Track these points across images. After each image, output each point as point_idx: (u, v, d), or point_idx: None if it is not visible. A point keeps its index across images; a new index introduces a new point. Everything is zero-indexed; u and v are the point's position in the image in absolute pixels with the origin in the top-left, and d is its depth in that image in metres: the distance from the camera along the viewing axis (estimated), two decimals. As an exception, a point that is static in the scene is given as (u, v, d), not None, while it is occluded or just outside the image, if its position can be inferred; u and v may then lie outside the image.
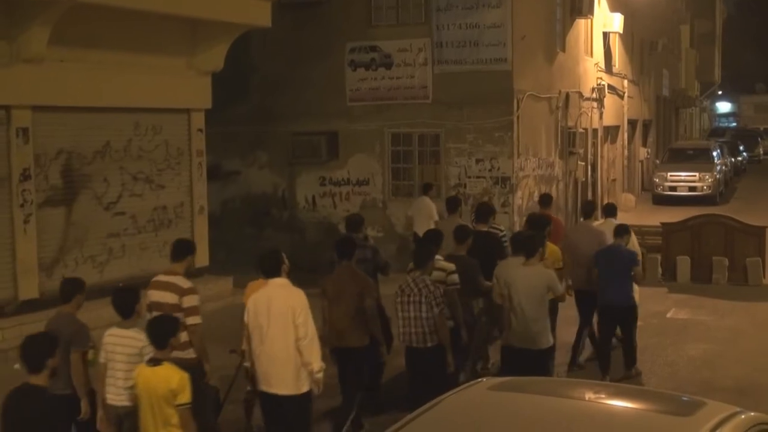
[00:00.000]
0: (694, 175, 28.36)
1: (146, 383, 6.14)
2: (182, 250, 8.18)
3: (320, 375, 7.33)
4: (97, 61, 13.00)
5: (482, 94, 17.08)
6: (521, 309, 8.52)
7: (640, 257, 11.21)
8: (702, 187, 28.15)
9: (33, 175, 12.35)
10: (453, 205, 12.51)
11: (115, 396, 6.81)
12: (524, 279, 8.56)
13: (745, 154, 42.41)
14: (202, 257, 15.18)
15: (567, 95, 20.36)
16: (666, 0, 35.32)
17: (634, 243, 11.28)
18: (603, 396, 5.39)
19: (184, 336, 7.41)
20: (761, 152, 48.32)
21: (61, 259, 12.96)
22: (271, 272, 7.40)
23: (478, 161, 17.37)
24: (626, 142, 28.65)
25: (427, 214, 14.95)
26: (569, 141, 20.62)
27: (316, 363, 7.26)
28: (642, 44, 31.19)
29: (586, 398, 5.35)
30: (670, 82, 38.44)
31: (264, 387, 7.35)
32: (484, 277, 9.44)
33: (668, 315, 13.77)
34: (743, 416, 4.96)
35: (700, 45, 47.48)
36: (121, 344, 6.81)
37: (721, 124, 67.77)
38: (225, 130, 17.96)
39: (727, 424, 4.76)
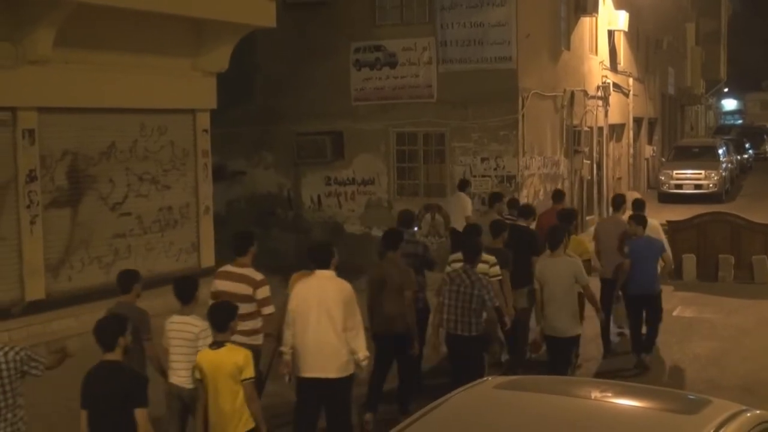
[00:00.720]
0: (700, 173, 28.31)
1: (211, 364, 6.60)
2: (245, 243, 8.56)
3: (365, 363, 7.86)
4: (102, 62, 13.02)
5: (487, 92, 17.08)
6: (551, 298, 9.13)
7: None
8: (708, 184, 28.10)
9: (39, 176, 12.37)
10: (492, 200, 13.43)
11: (177, 378, 7.27)
12: (552, 269, 9.20)
13: (751, 151, 42.31)
14: (207, 258, 15.20)
15: (572, 93, 20.34)
16: (671, -2, 35.30)
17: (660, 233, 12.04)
18: (609, 394, 5.39)
19: (253, 324, 8.02)
20: (767, 150, 48.19)
21: (68, 260, 12.98)
22: (322, 264, 7.85)
23: (483, 160, 17.37)
24: (632, 140, 28.62)
25: (462, 209, 15.50)
26: (574, 139, 20.60)
27: (362, 351, 7.75)
28: (647, 42, 31.15)
29: (592, 397, 5.36)
30: (675, 80, 38.40)
31: (308, 373, 7.72)
32: (517, 270, 10.03)
33: (674, 313, 13.76)
34: (749, 414, 4.96)
35: (705, 42, 47.41)
36: (181, 330, 7.24)
37: (727, 122, 67.57)
38: (230, 131, 17.98)
39: (732, 422, 4.76)
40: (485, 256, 9.25)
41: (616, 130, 26.39)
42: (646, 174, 32.27)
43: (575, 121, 20.68)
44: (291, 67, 18.43)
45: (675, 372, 11.03)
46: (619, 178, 26.75)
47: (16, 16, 11.64)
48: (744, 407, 5.10)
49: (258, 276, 8.26)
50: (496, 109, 17.15)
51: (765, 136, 49.62)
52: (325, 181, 18.65)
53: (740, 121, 67.35)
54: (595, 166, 22.80)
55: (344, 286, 7.77)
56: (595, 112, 22.55)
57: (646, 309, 11.17)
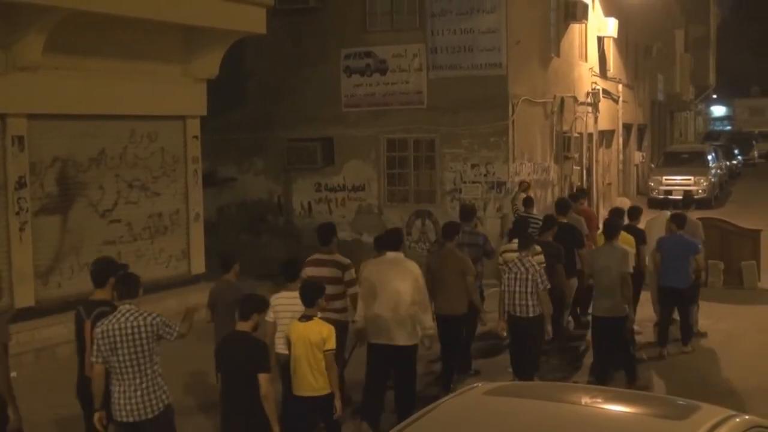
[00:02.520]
0: (690, 179, 28.40)
1: (299, 335, 7.48)
2: (328, 234, 9.59)
3: (431, 332, 8.96)
4: (92, 68, 13.01)
5: (477, 99, 17.11)
6: (604, 282, 10.18)
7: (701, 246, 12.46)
8: (697, 190, 28.18)
9: (28, 182, 12.35)
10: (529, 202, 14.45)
11: (283, 347, 8.05)
12: (606, 257, 10.32)
13: (740, 157, 42.47)
14: (198, 264, 15.18)
15: (562, 100, 20.39)
16: (660, 5, 35.39)
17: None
18: (598, 400, 5.40)
19: (341, 303, 9.01)
20: (756, 155, 48.39)
21: (57, 266, 12.95)
22: (394, 246, 8.99)
23: (473, 166, 17.39)
24: (621, 147, 28.70)
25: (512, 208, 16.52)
26: (564, 145, 20.64)
27: (428, 322, 8.89)
28: (636, 49, 31.26)
29: (582, 403, 5.36)
30: (664, 87, 38.53)
31: (377, 339, 8.80)
32: (563, 261, 11.08)
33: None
34: (738, 419, 4.98)
35: (694, 49, 47.59)
36: (288, 305, 8.08)
37: (716, 128, 67.83)
38: (220, 137, 17.97)
39: (721, 427, 4.78)
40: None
41: (606, 137, 26.46)
42: (636, 180, 32.36)
43: (565, 128, 20.73)
44: (281, 74, 18.43)
45: (665, 377, 11.04)
46: (609, 184, 26.81)
47: (5, 22, 11.63)
48: (733, 412, 5.12)
49: (345, 261, 9.31)
50: (486, 116, 17.18)
51: (754, 142, 49.86)
52: (316, 188, 18.65)
53: (729, 127, 67.61)
54: (585, 172, 22.86)
55: (412, 266, 8.86)
56: (584, 119, 22.60)
57: (677, 303, 11.88)
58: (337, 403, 7.55)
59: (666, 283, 11.78)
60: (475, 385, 5.78)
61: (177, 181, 14.90)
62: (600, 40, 24.59)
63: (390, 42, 17.76)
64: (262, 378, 6.63)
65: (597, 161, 24.49)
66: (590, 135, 23.49)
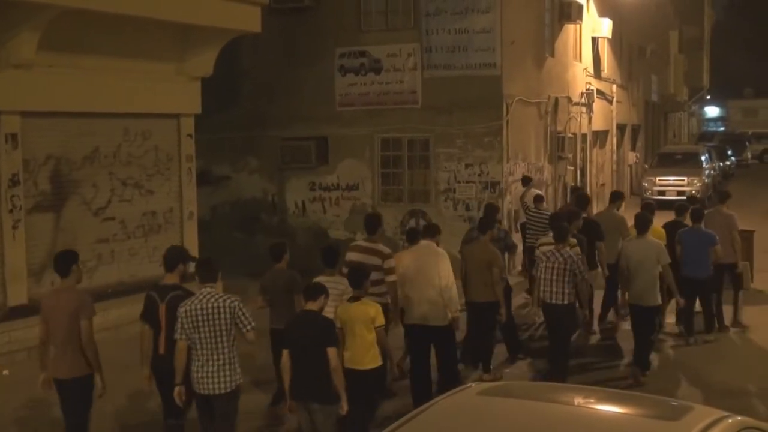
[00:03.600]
0: (683, 180, 28.46)
1: (349, 314, 8.14)
2: (375, 223, 10.33)
3: (457, 314, 9.80)
4: (86, 66, 12.98)
5: (471, 99, 17.12)
6: (637, 273, 10.76)
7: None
8: (690, 191, 28.23)
9: (22, 180, 12.32)
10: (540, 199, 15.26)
11: None
12: (639, 249, 10.89)
13: (733, 158, 42.55)
14: (191, 263, 15.14)
15: (556, 100, 20.42)
16: (655, 6, 35.47)
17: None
18: (591, 401, 5.42)
19: (381, 288, 9.52)
20: (749, 156, 48.50)
21: (50, 264, 12.89)
22: (429, 236, 9.94)
23: (467, 166, 17.40)
24: (615, 147, 28.74)
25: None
26: (558, 146, 20.67)
27: (455, 305, 9.67)
28: (631, 49, 31.30)
29: (575, 403, 5.37)
30: (658, 87, 38.59)
31: (413, 321, 9.66)
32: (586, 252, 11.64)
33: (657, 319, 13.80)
34: (730, 420, 4.99)
35: (688, 50, 47.66)
36: (330, 288, 8.30)
37: (709, 129, 67.95)
38: (215, 136, 17.95)
39: (714, 428, 4.79)
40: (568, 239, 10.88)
41: (600, 137, 26.50)
42: (630, 180, 32.41)
43: (559, 128, 20.76)
44: (276, 73, 18.42)
45: (657, 378, 11.06)
46: (603, 185, 26.85)
47: (-1, 19, 11.60)
48: (726, 413, 5.13)
49: (386, 250, 9.95)
50: (480, 116, 17.19)
51: (747, 143, 49.95)
52: (310, 187, 18.64)
53: (723, 128, 67.76)
54: (578, 172, 22.90)
55: (442, 254, 9.72)
56: (578, 119, 22.64)
57: (698, 292, 12.47)
58: (393, 372, 8.61)
59: (687, 274, 12.34)
60: (469, 385, 5.79)
61: (171, 179, 14.88)
62: (594, 40, 24.63)
63: (384, 41, 17.76)
64: (331, 352, 7.26)
65: (591, 161, 24.55)
66: (584, 135, 23.53)
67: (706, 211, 13.66)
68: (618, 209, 14.32)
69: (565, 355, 10.51)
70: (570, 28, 21.92)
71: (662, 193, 28.49)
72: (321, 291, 7.66)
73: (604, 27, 24.43)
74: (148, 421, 9.27)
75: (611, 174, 28.35)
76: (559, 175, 20.77)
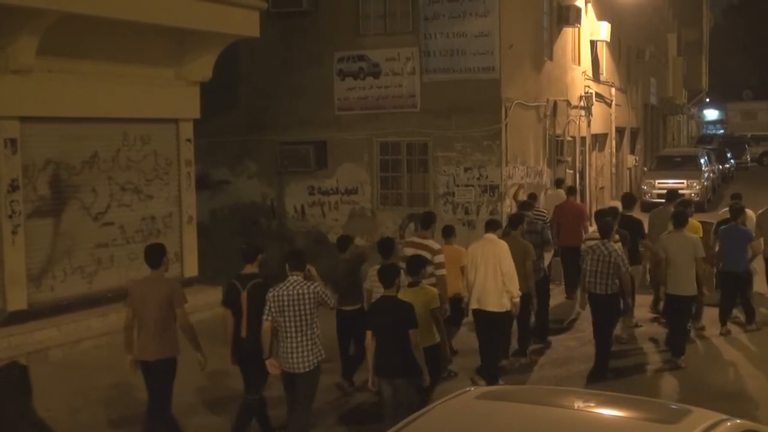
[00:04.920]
0: (682, 183, 28.40)
1: (409, 298, 8.58)
2: (430, 220, 11.37)
3: (517, 300, 10.53)
4: (85, 71, 13.00)
5: (470, 102, 17.12)
6: (675, 265, 11.48)
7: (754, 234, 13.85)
8: (690, 194, 28.21)
9: (21, 185, 12.33)
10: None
11: None
12: (677, 242, 11.61)
13: (732, 161, 42.53)
14: (191, 267, 15.17)
15: (555, 103, 20.43)
16: (653, 9, 35.51)
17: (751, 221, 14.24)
18: (590, 404, 5.42)
19: (431, 281, 10.12)
20: (749, 159, 48.47)
21: (50, 270, 12.93)
22: (492, 230, 10.74)
23: (466, 170, 17.40)
24: (614, 150, 28.73)
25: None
26: (557, 149, 20.68)
27: (515, 291, 10.46)
28: (629, 52, 31.32)
29: (574, 407, 5.38)
30: (657, 90, 38.62)
31: (477, 306, 10.49)
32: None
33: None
34: (729, 423, 5.00)
35: (687, 53, 47.72)
36: None
37: (708, 132, 67.96)
38: (214, 140, 17.96)
39: (713, 431, 4.79)
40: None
41: (599, 140, 26.50)
42: (629, 183, 32.40)
43: (558, 131, 20.76)
44: (275, 77, 18.43)
45: (656, 381, 11.07)
46: (602, 188, 26.85)
47: (-2, 25, 11.62)
48: (724, 416, 5.13)
49: (436, 246, 10.80)
50: (479, 119, 17.19)
51: (746, 146, 49.91)
52: (309, 191, 18.64)
53: (722, 131, 67.76)
54: (578, 175, 22.89)
55: (504, 246, 10.53)
56: (577, 122, 22.64)
57: (736, 286, 13.21)
58: (444, 352, 9.45)
59: (727, 268, 13.21)
60: (467, 389, 5.79)
61: (170, 184, 14.89)
62: (593, 43, 24.63)
63: (383, 45, 17.77)
64: (413, 333, 8.00)
65: (590, 165, 24.54)
66: (583, 138, 23.53)
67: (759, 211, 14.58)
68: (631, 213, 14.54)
69: (609, 340, 11.23)
70: (568, 31, 21.93)
71: (662, 195, 28.40)
72: (396, 275, 8.48)
73: (603, 30, 24.43)
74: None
75: (610, 177, 28.34)
76: (558, 179, 20.74)
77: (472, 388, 5.85)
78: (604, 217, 12.25)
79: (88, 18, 12.21)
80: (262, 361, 8.34)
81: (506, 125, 17.37)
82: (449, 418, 5.13)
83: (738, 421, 5.14)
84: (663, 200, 28.06)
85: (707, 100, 64.65)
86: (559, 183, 18.74)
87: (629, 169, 32.45)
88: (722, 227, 13.52)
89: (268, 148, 18.57)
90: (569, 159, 21.90)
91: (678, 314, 11.72)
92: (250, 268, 8.88)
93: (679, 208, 12.92)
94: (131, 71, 13.77)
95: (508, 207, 17.44)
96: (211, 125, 16.72)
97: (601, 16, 24.83)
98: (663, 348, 12.18)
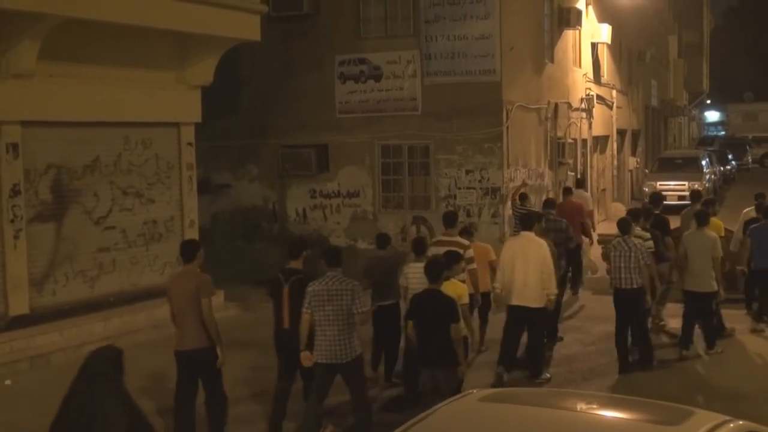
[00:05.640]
0: (684, 184, 28.40)
1: None
2: (454, 220, 11.72)
3: (553, 297, 10.91)
4: (86, 75, 13.01)
5: (471, 105, 17.13)
6: (695, 262, 11.91)
7: None
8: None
9: (23, 190, 12.33)
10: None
11: None
12: (697, 240, 12.02)
13: (734, 162, 42.50)
14: (192, 271, 15.14)
15: (556, 106, 20.43)
16: (654, 11, 35.51)
17: None
18: (593, 406, 5.41)
19: (462, 276, 10.29)
20: (750, 161, 48.44)
21: (52, 274, 12.93)
22: (529, 228, 11.14)
23: (468, 172, 17.41)
24: (615, 152, 28.74)
25: (584, 203, 18.25)
26: (559, 151, 20.68)
27: (552, 288, 10.83)
28: (630, 55, 31.33)
29: (577, 408, 5.38)
30: (658, 92, 38.61)
31: (514, 302, 10.76)
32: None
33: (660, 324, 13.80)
34: (732, 424, 4.99)
35: (688, 55, 47.73)
36: (417, 273, 9.65)
37: (710, 133, 67.89)
38: (215, 144, 17.98)
39: (716, 432, 4.79)
40: (640, 233, 12.06)
41: (600, 142, 26.51)
42: (630, 185, 32.40)
43: (559, 133, 20.77)
44: (276, 80, 18.44)
45: (658, 382, 11.05)
46: (603, 190, 26.85)
47: (-1, 29, 11.63)
48: (727, 417, 5.13)
49: (465, 242, 11.19)
50: (480, 122, 17.20)
51: (747, 148, 49.88)
52: (310, 194, 18.65)
53: (723, 133, 67.70)
54: (579, 177, 22.87)
55: (541, 243, 10.88)
56: (578, 124, 22.65)
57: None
58: (472, 342, 9.79)
59: (759, 266, 13.41)
60: (470, 391, 5.79)
61: (171, 188, 14.89)
62: (594, 46, 24.64)
63: (384, 48, 17.79)
64: (454, 328, 8.36)
65: (591, 167, 24.54)
66: (584, 141, 23.54)
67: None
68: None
69: (645, 329, 11.66)
70: (569, 33, 21.94)
71: (663, 197, 28.42)
72: (443, 269, 8.83)
73: (604, 32, 24.44)
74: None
75: (612, 179, 28.34)
76: (559, 181, 20.75)
77: (475, 390, 5.85)
78: (629, 215, 12.58)
79: (90, 22, 12.22)
80: (299, 351, 8.64)
81: (507, 128, 17.38)
82: (452, 420, 5.13)
83: (740, 422, 5.14)
84: (664, 202, 28.39)
85: (708, 101, 64.69)
86: (579, 183, 19.93)
87: (630, 171, 32.44)
88: (752, 225, 13.69)
89: (269, 152, 18.58)
90: (570, 161, 21.90)
91: (701, 310, 12.11)
92: (295, 264, 9.27)
93: (701, 208, 13.37)
94: (133, 75, 13.78)
95: (510, 210, 17.44)
96: (212, 129, 16.74)
97: (601, 19, 24.85)
98: (677, 343, 12.39)
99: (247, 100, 18.82)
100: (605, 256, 11.99)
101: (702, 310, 12.11)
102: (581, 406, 5.38)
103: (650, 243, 12.09)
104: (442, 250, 10.61)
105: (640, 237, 11.91)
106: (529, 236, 11.02)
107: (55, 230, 12.99)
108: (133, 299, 13.93)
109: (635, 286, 11.28)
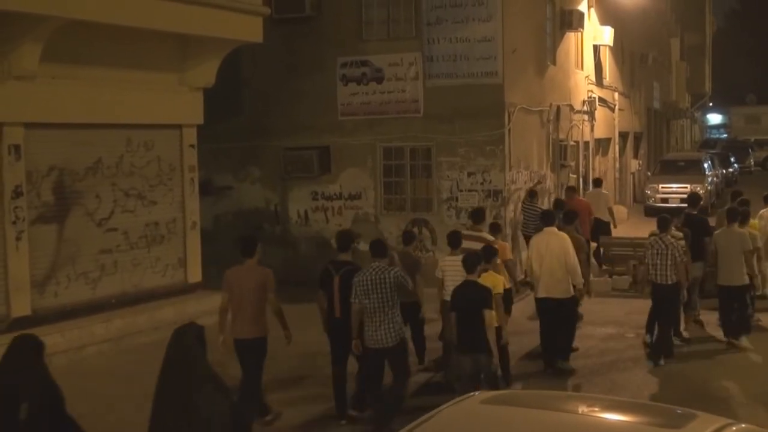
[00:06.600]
0: (686, 187, 28.39)
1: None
2: (481, 215, 12.83)
3: (581, 287, 11.65)
4: (88, 77, 13.02)
5: (473, 107, 17.12)
6: (727, 257, 12.61)
7: None
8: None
9: (25, 191, 12.34)
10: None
11: (448, 296, 10.13)
12: (728, 237, 12.75)
13: (736, 165, 42.49)
14: (194, 273, 15.17)
15: (558, 108, 20.43)
16: (656, 13, 35.53)
17: None
18: (596, 409, 5.40)
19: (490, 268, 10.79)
20: (752, 163, 48.44)
21: (54, 276, 12.93)
22: (550, 223, 11.76)
23: (470, 174, 17.40)
24: (617, 155, 28.75)
25: (603, 202, 19.35)
26: (561, 154, 20.67)
27: (578, 280, 11.49)
28: (632, 57, 31.33)
29: (579, 411, 5.36)
30: (660, 95, 38.61)
31: (542, 294, 11.47)
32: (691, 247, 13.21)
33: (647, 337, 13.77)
34: (734, 428, 4.98)
35: (690, 57, 47.72)
36: (453, 265, 10.55)
37: (712, 136, 67.90)
38: (217, 146, 17.98)
39: (718, 436, 4.78)
40: (675, 232, 12.62)
41: (602, 145, 26.50)
42: (632, 188, 32.40)
43: (561, 136, 20.76)
44: (278, 82, 18.44)
45: (661, 385, 11.05)
46: (605, 193, 26.80)
47: (1, 31, 11.63)
48: (730, 420, 5.12)
49: (490, 237, 11.97)
50: (482, 124, 17.19)
51: (750, 150, 49.88)
52: (312, 196, 18.64)
53: (725, 135, 67.69)
54: (581, 180, 22.88)
55: (563, 236, 11.53)
56: (581, 127, 22.64)
57: None
58: (503, 333, 10.16)
59: None
60: (473, 393, 5.79)
61: (173, 189, 14.90)
62: (596, 48, 24.64)
63: (386, 51, 17.78)
64: (487, 313, 9.01)
65: (593, 169, 24.53)
66: (586, 143, 23.53)
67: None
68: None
69: (669, 325, 12.22)
70: (571, 36, 21.94)
71: (665, 200, 28.44)
72: (478, 262, 9.50)
73: (606, 35, 24.44)
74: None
75: (614, 182, 28.34)
76: (561, 183, 20.75)
77: (477, 393, 5.84)
78: (666, 213, 13.23)
79: (92, 24, 12.23)
80: (349, 338, 9.33)
81: (509, 130, 17.37)
82: (455, 422, 5.12)
83: (743, 425, 5.13)
84: (666, 205, 28.45)
85: (710, 104, 64.68)
86: (597, 183, 20.60)
87: (632, 173, 32.44)
88: None
89: (271, 154, 18.58)
90: (572, 164, 21.89)
91: (735, 303, 12.70)
92: (344, 256, 9.96)
93: (734, 206, 13.96)
94: (135, 77, 13.78)
95: (512, 212, 17.44)
96: (214, 131, 16.74)
97: (604, 21, 24.84)
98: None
99: (249, 102, 18.82)
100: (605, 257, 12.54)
101: (736, 303, 12.67)
102: (583, 409, 5.37)
103: (683, 243, 12.65)
104: (468, 244, 11.19)
105: (674, 236, 12.46)
106: (551, 231, 11.63)
107: (57, 232, 12.99)
108: (135, 301, 13.95)
109: (670, 282, 11.92)
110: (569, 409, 5.41)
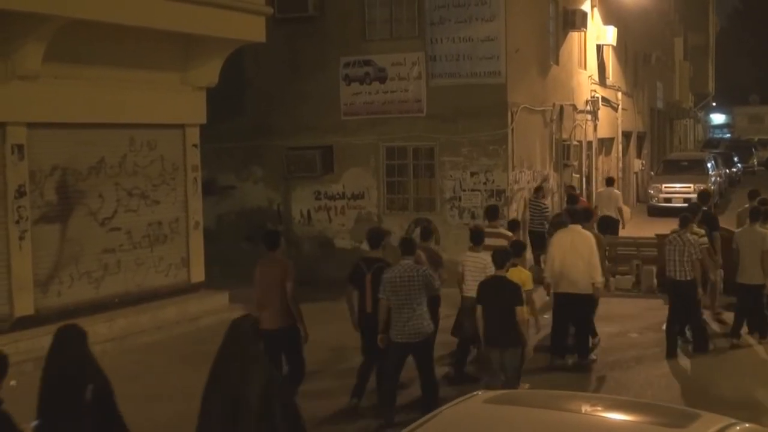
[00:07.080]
0: (689, 187, 28.37)
1: (511, 278, 9.78)
2: (496, 213, 12.96)
3: (600, 285, 11.81)
4: (91, 77, 13.03)
5: (476, 107, 17.11)
6: (747, 256, 12.72)
7: None
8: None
9: (28, 191, 12.36)
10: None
11: (469, 291, 10.56)
12: (749, 236, 12.85)
13: (739, 165, 42.46)
14: (197, 273, 15.17)
15: (561, 108, 20.41)
16: (659, 13, 35.50)
17: None
18: (599, 409, 5.40)
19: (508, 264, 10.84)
20: (756, 163, 48.39)
21: (57, 275, 12.94)
22: (577, 221, 12.03)
23: (472, 174, 17.39)
24: (621, 154, 28.72)
25: (614, 201, 20.00)
26: (564, 153, 20.66)
27: (599, 277, 11.67)
28: (635, 57, 31.31)
29: (582, 411, 5.36)
30: (664, 94, 38.58)
31: (562, 289, 11.67)
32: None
33: (664, 327, 13.77)
34: (738, 427, 4.97)
35: (693, 57, 47.71)
36: (474, 262, 10.83)
37: (715, 136, 67.88)
38: (220, 145, 17.98)
39: (721, 435, 4.77)
40: (696, 229, 12.82)
41: (605, 144, 26.48)
42: (636, 188, 32.37)
43: (564, 136, 20.74)
44: (280, 82, 18.44)
45: (665, 385, 11.04)
46: (617, 192, 26.78)
47: (4, 31, 11.64)
48: (733, 420, 5.11)
49: (509, 233, 12.30)
50: (485, 124, 17.18)
51: (753, 150, 49.85)
52: (315, 196, 18.64)
53: (728, 135, 67.65)
54: (584, 180, 22.87)
55: (588, 235, 11.79)
56: (584, 126, 22.62)
57: None
58: (531, 329, 10.26)
59: None
60: (475, 393, 5.78)
61: (176, 189, 14.90)
62: (599, 48, 24.63)
63: (389, 50, 17.78)
64: (519, 309, 9.23)
65: (596, 169, 24.51)
66: (590, 143, 23.51)
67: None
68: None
69: (699, 322, 12.48)
70: (575, 36, 21.92)
71: (668, 200, 28.43)
72: (507, 259, 9.69)
73: (609, 35, 24.43)
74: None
75: (617, 181, 28.29)
76: (564, 183, 20.74)
77: (480, 392, 5.83)
78: (687, 212, 13.26)
79: (95, 24, 12.24)
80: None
81: (512, 129, 17.36)
82: (458, 422, 5.11)
83: (747, 425, 5.12)
84: (670, 204, 28.44)
85: (714, 104, 64.63)
86: (609, 182, 20.96)
87: (636, 173, 32.41)
88: None
89: (274, 153, 18.58)
90: (576, 163, 21.88)
91: (753, 301, 12.80)
92: (375, 253, 10.22)
93: (754, 206, 14.03)
94: (137, 77, 13.79)
95: (515, 212, 17.42)
96: (217, 130, 16.75)
97: (607, 21, 24.83)
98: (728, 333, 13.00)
99: (251, 101, 18.82)
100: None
101: (754, 302, 12.77)
102: (586, 408, 5.37)
103: (704, 240, 12.90)
104: (488, 240, 11.35)
105: (696, 233, 12.64)
106: (576, 229, 11.88)
107: (60, 231, 13.01)
108: (138, 300, 13.96)
109: (688, 279, 12.11)
110: (572, 409, 5.40)
